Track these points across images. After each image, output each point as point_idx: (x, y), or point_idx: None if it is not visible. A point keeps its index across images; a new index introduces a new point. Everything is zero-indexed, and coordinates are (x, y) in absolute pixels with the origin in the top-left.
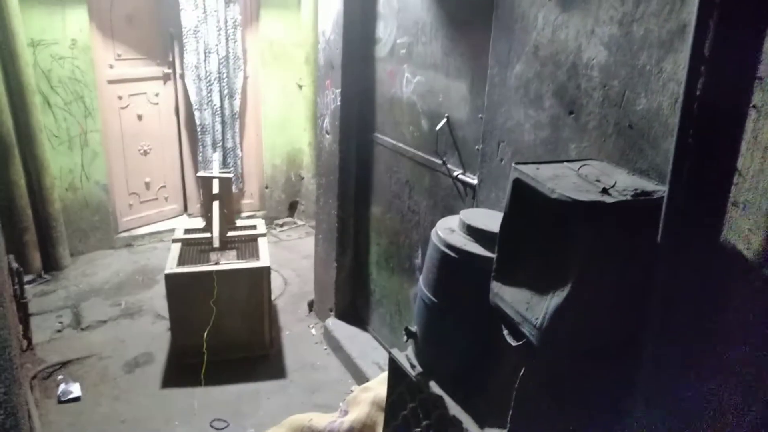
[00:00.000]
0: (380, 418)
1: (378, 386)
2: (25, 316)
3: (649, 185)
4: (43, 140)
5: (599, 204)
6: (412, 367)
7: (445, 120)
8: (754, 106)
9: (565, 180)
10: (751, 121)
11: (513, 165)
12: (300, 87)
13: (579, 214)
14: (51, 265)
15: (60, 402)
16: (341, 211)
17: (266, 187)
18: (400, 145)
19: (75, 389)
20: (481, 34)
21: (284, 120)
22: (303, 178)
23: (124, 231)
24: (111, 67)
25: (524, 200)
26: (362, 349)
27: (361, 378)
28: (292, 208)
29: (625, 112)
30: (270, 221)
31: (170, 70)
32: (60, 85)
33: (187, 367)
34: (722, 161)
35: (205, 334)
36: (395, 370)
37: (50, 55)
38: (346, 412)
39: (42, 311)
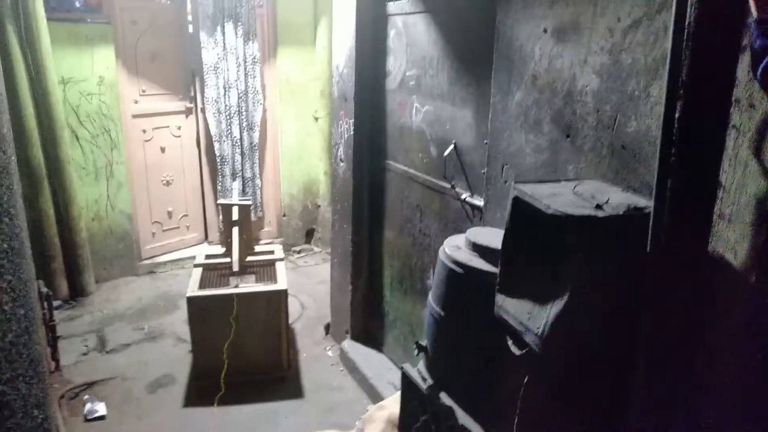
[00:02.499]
0: None
1: (393, 404)
2: (53, 339)
3: (641, 201)
4: (71, 172)
5: (591, 218)
6: (423, 380)
7: (452, 146)
8: (733, 126)
9: (562, 198)
10: (731, 140)
11: (513, 184)
12: (316, 119)
13: (573, 228)
14: (77, 291)
15: (86, 420)
16: (355, 236)
17: (284, 215)
18: (411, 171)
19: (100, 408)
20: (484, 65)
21: (301, 151)
22: (319, 207)
23: (147, 258)
24: (136, 102)
25: (525, 217)
26: (377, 369)
27: (376, 398)
28: (308, 235)
29: (617, 135)
30: (287, 248)
31: (192, 105)
32: (88, 119)
33: (207, 387)
34: (707, 176)
35: (225, 355)
36: (407, 385)
37: (79, 91)
38: (361, 430)
39: (69, 335)
